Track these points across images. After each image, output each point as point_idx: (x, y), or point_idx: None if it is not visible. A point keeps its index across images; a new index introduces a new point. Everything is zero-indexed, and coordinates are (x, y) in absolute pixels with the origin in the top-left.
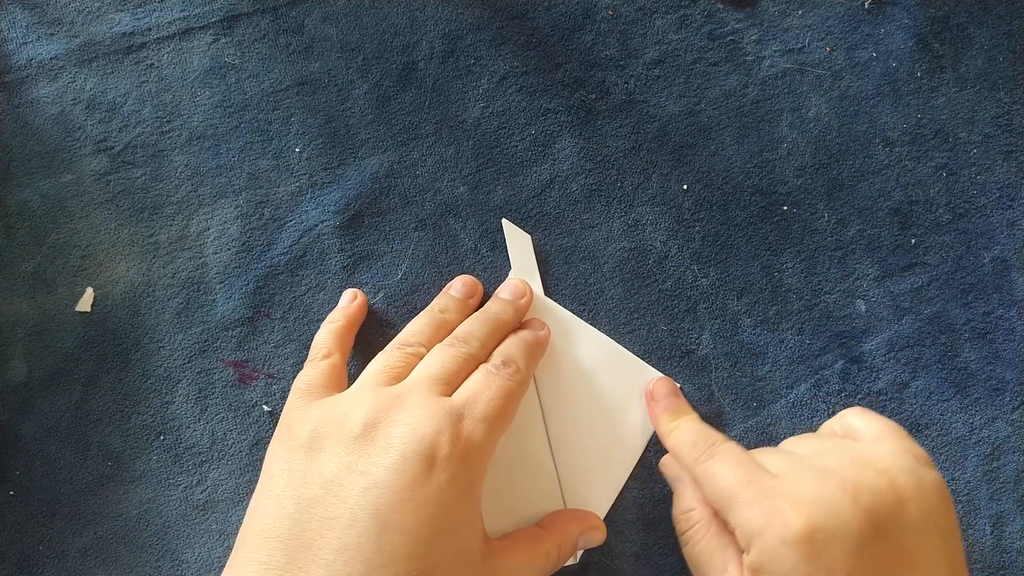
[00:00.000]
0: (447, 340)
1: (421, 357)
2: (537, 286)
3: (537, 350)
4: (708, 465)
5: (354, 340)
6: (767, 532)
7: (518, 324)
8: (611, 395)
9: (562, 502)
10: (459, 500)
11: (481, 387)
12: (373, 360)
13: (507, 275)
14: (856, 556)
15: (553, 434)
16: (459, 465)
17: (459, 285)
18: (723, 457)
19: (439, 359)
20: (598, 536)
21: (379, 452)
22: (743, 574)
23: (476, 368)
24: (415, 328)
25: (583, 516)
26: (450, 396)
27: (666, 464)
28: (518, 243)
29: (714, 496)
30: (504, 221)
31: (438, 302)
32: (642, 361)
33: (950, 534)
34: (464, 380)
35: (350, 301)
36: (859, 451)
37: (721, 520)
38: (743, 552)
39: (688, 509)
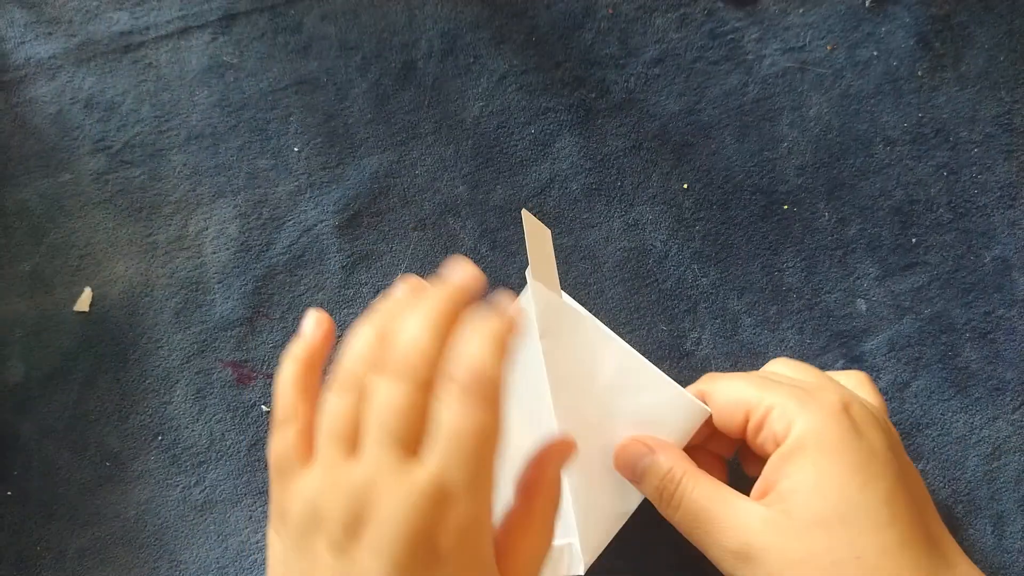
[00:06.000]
0: (391, 367)
1: (366, 394)
2: (555, 286)
3: (507, 340)
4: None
5: (323, 377)
6: (810, 406)
7: (468, 308)
8: (631, 414)
9: (574, 522)
10: None
11: (452, 441)
12: (323, 408)
13: (508, 274)
14: (885, 435)
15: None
16: (462, 552)
17: (403, 287)
18: (730, 375)
19: (389, 407)
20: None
21: (369, 559)
22: (768, 472)
23: (432, 394)
24: (355, 353)
25: (556, 451)
26: (417, 455)
27: (622, 453)
28: (537, 238)
29: (743, 398)
30: (524, 212)
31: (382, 306)
32: (668, 379)
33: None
34: (425, 421)
35: (314, 330)
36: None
37: (710, 459)
38: (776, 441)
39: (667, 470)
